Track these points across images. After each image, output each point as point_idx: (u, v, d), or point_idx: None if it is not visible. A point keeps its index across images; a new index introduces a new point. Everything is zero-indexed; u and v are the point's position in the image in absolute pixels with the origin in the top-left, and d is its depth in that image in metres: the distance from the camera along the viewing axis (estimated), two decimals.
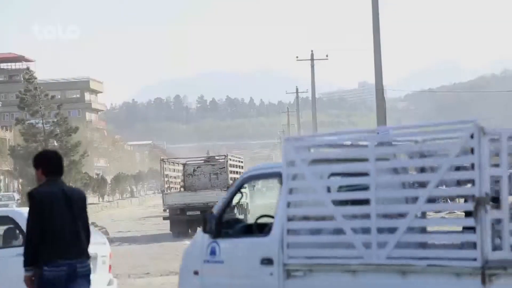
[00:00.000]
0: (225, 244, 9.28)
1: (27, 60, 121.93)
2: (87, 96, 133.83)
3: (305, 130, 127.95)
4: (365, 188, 8.07)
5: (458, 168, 7.61)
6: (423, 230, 8.54)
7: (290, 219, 8.57)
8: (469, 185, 7.46)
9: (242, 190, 9.81)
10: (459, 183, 8.06)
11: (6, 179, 73.81)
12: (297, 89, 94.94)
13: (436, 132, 8.27)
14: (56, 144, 54.27)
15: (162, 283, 17.41)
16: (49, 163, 8.10)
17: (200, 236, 9.64)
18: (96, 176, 66.37)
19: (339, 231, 8.19)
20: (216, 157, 35.02)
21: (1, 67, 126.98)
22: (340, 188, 8.74)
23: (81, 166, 53.98)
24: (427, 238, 8.51)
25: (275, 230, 8.79)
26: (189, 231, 29.69)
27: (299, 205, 8.70)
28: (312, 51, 72.64)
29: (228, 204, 9.59)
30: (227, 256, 9.25)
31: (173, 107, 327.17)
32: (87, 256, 7.86)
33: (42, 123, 54.21)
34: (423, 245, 8.43)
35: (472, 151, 7.27)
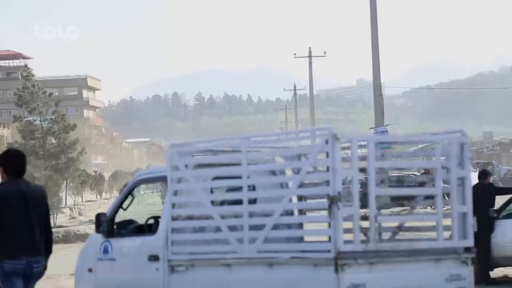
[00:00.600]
0: (117, 243, 10.04)
1: (24, 58, 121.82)
2: (85, 93, 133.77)
3: (303, 127, 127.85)
4: (250, 189, 8.90)
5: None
6: (300, 226, 9.36)
7: (174, 218, 9.42)
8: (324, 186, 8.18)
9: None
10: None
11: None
12: (295, 86, 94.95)
13: (298, 138, 9.24)
14: (54, 141, 54.18)
15: None
16: (10, 163, 8.31)
17: (94, 235, 10.47)
18: (94, 174, 66.29)
19: (217, 229, 9.00)
20: None
21: None
22: (227, 190, 9.73)
23: (79, 163, 53.83)
24: (298, 234, 9.28)
25: (161, 229, 9.61)
26: None
27: (183, 206, 9.53)
28: (310, 48, 72.88)
29: (120, 206, 10.36)
30: (118, 254, 10.03)
31: (171, 104, 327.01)
32: (42, 255, 8.18)
33: (40, 120, 54.05)
34: (300, 240, 9.28)
35: (327, 155, 8.05)
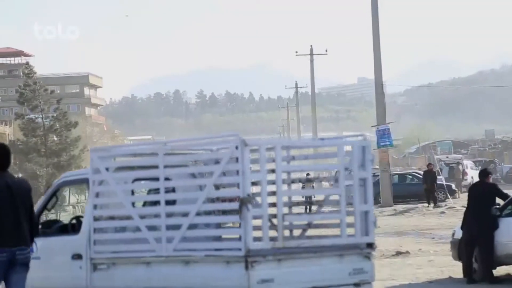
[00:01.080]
0: (42, 242, 10.24)
1: (26, 55, 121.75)
2: (87, 91, 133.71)
3: (305, 125, 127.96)
4: (168, 191, 9.41)
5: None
6: (218, 226, 9.89)
7: (96, 219, 9.87)
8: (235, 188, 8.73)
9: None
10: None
11: None
12: (296, 84, 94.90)
13: (211, 144, 9.66)
14: (55, 138, 54.29)
15: None
16: None
17: None
18: None
19: (137, 229, 9.47)
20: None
21: (1, 61, 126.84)
22: (149, 192, 10.28)
23: (80, 160, 53.90)
24: (212, 233, 9.70)
25: (84, 229, 10.08)
26: None
27: (105, 207, 10.01)
28: (311, 46, 72.74)
29: (45, 207, 10.84)
30: (43, 253, 10.36)
31: (173, 102, 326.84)
32: (27, 244, 8.38)
33: (42, 118, 54.19)
34: (217, 238, 9.72)
35: (237, 159, 8.53)
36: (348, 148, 9.40)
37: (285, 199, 9.42)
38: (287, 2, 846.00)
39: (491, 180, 14.97)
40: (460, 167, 51.08)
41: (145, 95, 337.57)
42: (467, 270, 14.21)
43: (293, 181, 9.82)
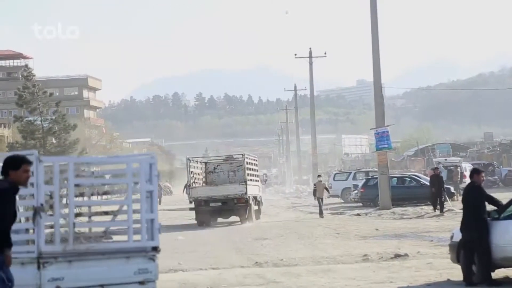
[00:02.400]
0: None
1: (25, 57, 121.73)
2: (85, 93, 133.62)
3: (304, 127, 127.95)
4: None
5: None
6: (27, 231, 10.73)
7: None
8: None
9: None
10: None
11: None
12: (295, 87, 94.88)
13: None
14: (54, 141, 54.27)
15: (162, 280, 17.31)
16: None
17: None
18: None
19: None
20: (234, 156, 38.15)
21: (0, 64, 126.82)
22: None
23: None
24: (21, 237, 10.42)
25: None
26: (211, 220, 34.08)
27: None
28: (310, 48, 72.81)
29: None
30: None
31: (171, 104, 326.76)
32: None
33: (41, 120, 54.19)
34: (26, 242, 10.54)
35: (32, 173, 9.46)
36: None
37: (85, 209, 11.38)
38: (286, 5, 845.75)
39: (483, 179, 14.87)
40: (459, 169, 51.07)
41: (144, 97, 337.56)
42: (466, 272, 14.21)
43: (92, 193, 11.41)
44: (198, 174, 36.25)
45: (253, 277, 16.82)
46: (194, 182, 35.02)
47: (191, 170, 35.26)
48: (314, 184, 39.63)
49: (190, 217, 36.51)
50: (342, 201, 49.98)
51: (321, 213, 36.60)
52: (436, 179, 35.53)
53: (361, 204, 43.37)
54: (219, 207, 33.76)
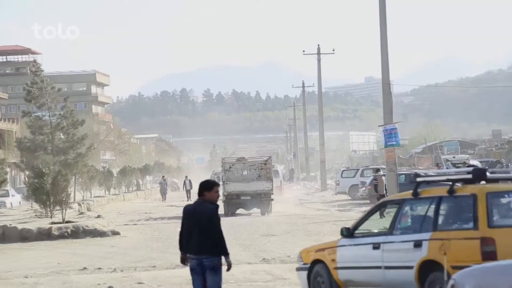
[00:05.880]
0: None
1: (33, 53, 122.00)
2: (94, 89, 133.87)
3: (311, 124, 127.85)
4: None
5: None
6: None
7: None
8: None
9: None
10: None
11: (13, 171, 73.96)
12: (303, 84, 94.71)
13: None
14: (62, 136, 54.34)
15: (168, 276, 17.38)
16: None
17: None
18: (102, 169, 66.26)
19: None
20: (258, 158, 42.82)
21: (8, 59, 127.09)
22: None
23: (87, 158, 53.94)
24: None
25: None
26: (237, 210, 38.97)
27: None
28: (318, 45, 72.54)
29: None
30: None
31: (179, 100, 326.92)
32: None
33: (49, 116, 54.21)
34: None
35: None
36: None
37: None
38: (295, 2, 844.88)
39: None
40: (466, 167, 51.00)
41: (152, 93, 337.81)
42: None
43: None
44: (231, 172, 40.11)
45: (261, 273, 16.84)
46: (227, 178, 39.27)
47: (226, 168, 39.68)
48: (375, 179, 36.98)
49: None
50: (350, 198, 49.94)
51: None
52: None
53: (368, 201, 43.34)
54: (248, 200, 38.62)
